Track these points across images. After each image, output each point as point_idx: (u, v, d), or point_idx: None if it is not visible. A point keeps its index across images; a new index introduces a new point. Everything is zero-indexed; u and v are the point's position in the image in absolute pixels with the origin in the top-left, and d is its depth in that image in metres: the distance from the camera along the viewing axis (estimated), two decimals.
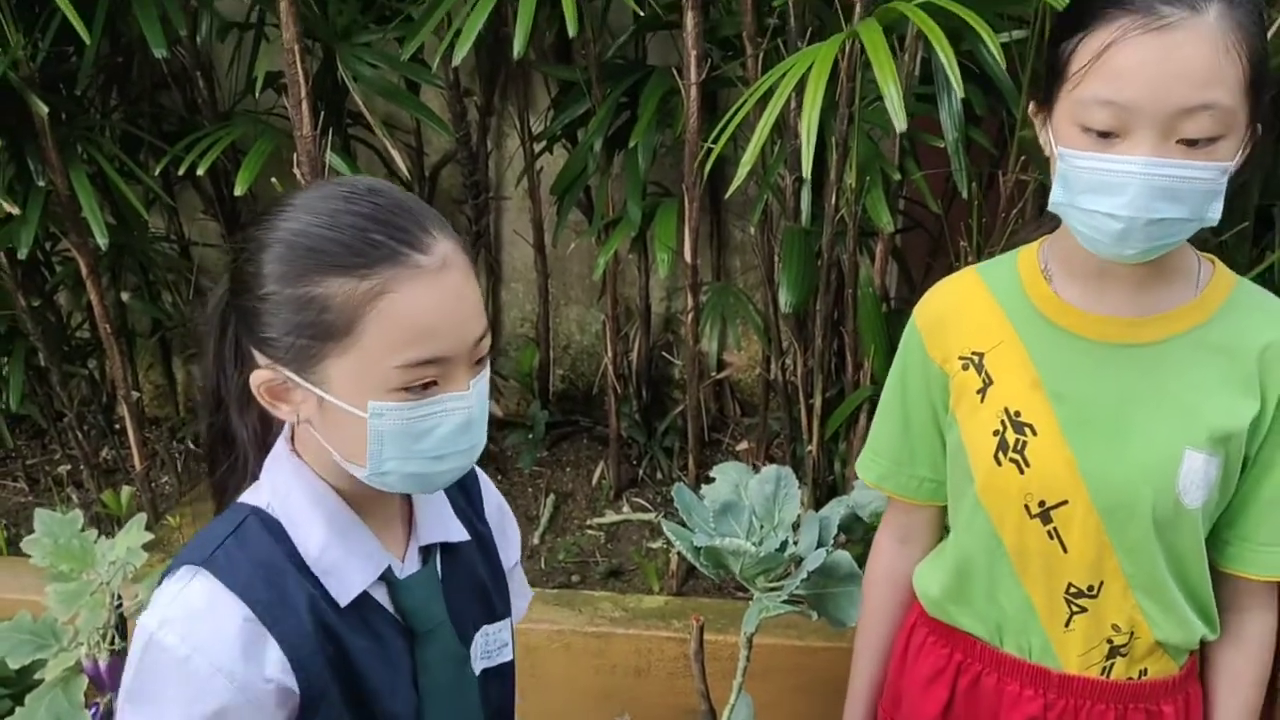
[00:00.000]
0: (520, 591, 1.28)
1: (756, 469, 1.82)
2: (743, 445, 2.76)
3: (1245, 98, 1.02)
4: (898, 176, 2.04)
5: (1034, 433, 1.16)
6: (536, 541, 2.59)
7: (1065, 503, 1.16)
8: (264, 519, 0.99)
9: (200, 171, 2.17)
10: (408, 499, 1.08)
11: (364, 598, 1.00)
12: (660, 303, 2.88)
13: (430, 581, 1.06)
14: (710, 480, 1.85)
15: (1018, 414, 1.17)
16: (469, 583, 1.11)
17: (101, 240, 2.18)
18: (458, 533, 1.10)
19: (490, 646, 1.13)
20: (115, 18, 2.27)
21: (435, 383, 0.93)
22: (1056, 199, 1.10)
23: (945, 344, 1.24)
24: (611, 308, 2.67)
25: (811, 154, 1.61)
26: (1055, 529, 1.17)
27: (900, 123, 1.59)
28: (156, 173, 2.44)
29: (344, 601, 0.98)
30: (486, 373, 0.98)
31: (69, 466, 2.88)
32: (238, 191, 2.11)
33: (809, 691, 2.11)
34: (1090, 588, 1.18)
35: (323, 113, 2.00)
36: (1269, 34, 1.55)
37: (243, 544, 0.97)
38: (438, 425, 0.94)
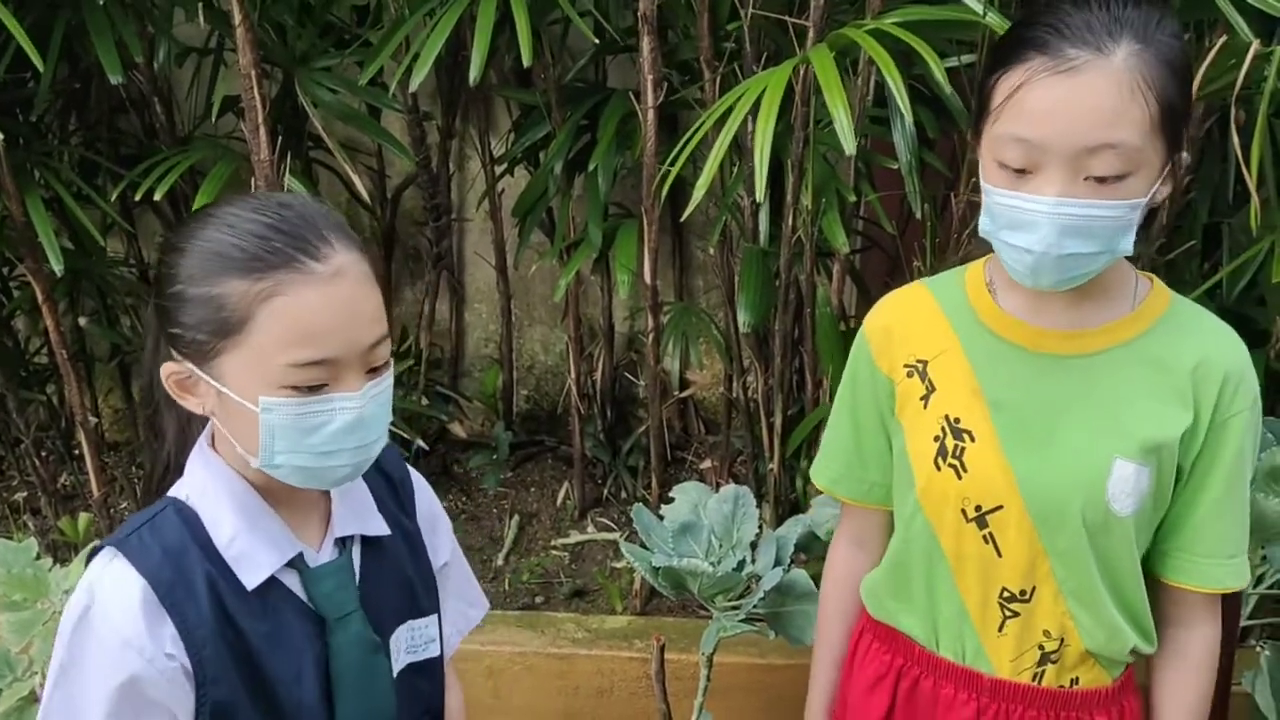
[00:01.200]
0: (469, 598, 1.33)
1: (719, 487, 1.83)
2: (706, 464, 2.78)
3: (1155, 136, 1.06)
4: (853, 198, 2.06)
5: (972, 439, 1.20)
6: (500, 562, 2.59)
7: (1000, 508, 1.19)
8: (180, 509, 1.06)
9: (157, 196, 2.16)
10: (326, 492, 1.12)
11: (273, 584, 1.06)
12: (624, 322, 2.89)
13: (342, 571, 1.11)
14: (672, 500, 1.86)
15: (957, 420, 1.21)
16: (392, 576, 1.16)
17: (56, 266, 2.17)
18: (377, 527, 1.15)
19: (416, 641, 1.18)
20: (72, 43, 2.27)
21: (325, 384, 1.00)
22: (984, 228, 1.15)
23: (892, 353, 1.28)
24: (574, 328, 2.68)
25: (765, 178, 1.63)
26: (991, 533, 1.20)
27: (850, 147, 1.61)
28: (114, 197, 2.43)
29: (251, 586, 1.05)
30: (386, 379, 1.05)
31: (26, 493, 2.84)
32: None
33: (771, 709, 2.13)
34: (1023, 592, 1.21)
35: (281, 137, 2.00)
36: (1208, 58, 1.61)
37: (156, 531, 1.05)
38: (327, 423, 1.00)
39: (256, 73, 1.92)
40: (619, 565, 2.54)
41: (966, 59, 1.92)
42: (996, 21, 1.64)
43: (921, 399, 1.24)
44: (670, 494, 1.86)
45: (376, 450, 1.06)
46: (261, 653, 1.05)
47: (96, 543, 1.08)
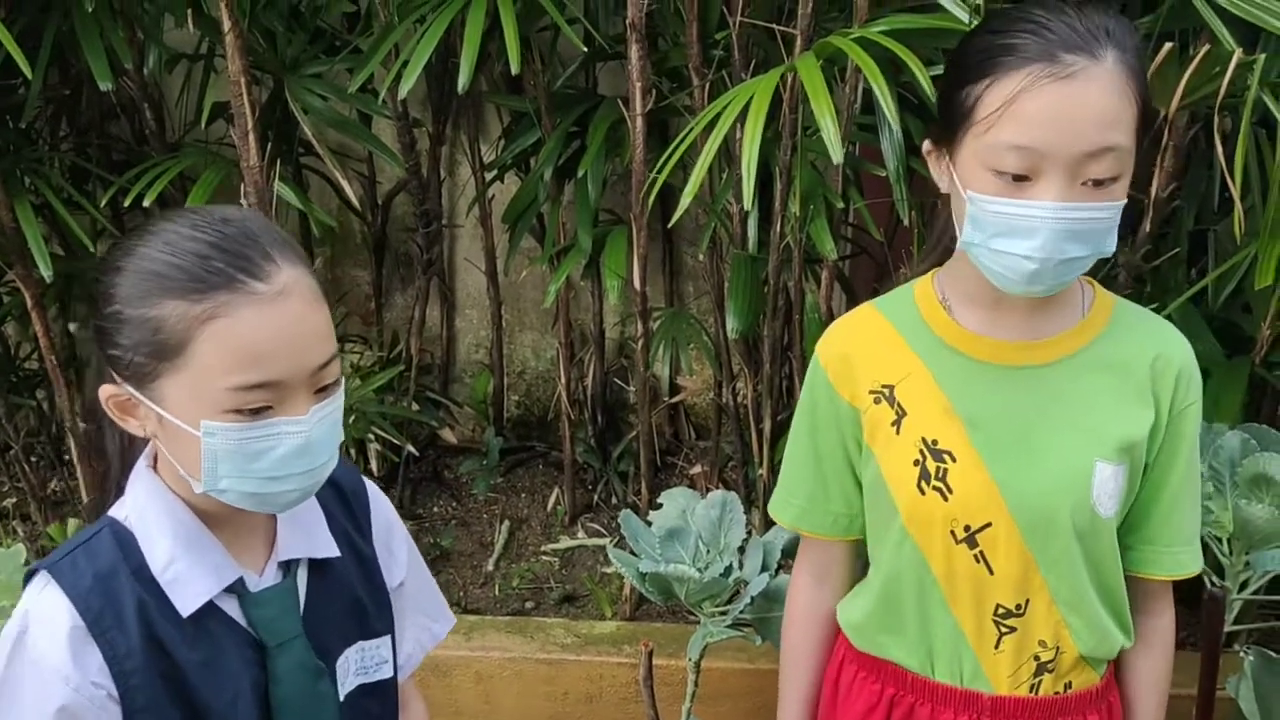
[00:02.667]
0: (431, 613, 1.28)
1: (709, 493, 1.84)
2: (696, 469, 2.78)
3: (1136, 137, 1.09)
4: (841, 205, 2.07)
5: (953, 459, 1.20)
6: (491, 568, 2.59)
7: (989, 525, 1.19)
8: (118, 531, 1.03)
9: (147, 202, 2.17)
10: (273, 514, 1.09)
11: (210, 609, 1.03)
12: (614, 328, 2.90)
13: (285, 595, 1.08)
14: (661, 506, 1.86)
15: (935, 442, 1.20)
16: (341, 599, 1.13)
17: (46, 272, 2.17)
18: (325, 548, 1.11)
19: (367, 663, 1.15)
20: (62, 49, 2.27)
21: (270, 406, 0.96)
22: (968, 239, 1.13)
23: (853, 380, 1.26)
24: (565, 334, 2.68)
25: (752, 186, 1.64)
26: (981, 552, 1.20)
27: (837, 155, 1.62)
28: (104, 203, 2.43)
29: (186, 612, 1.02)
30: (336, 398, 1.01)
31: (15, 499, 2.84)
32: None
33: (759, 715, 2.13)
34: (1018, 607, 1.21)
35: (270, 143, 2.01)
36: (1191, 66, 1.62)
37: (90, 554, 1.02)
38: (273, 448, 0.97)
39: (246, 79, 1.92)
40: (609, 571, 2.54)
41: None
42: None
43: (893, 424, 1.23)
44: (660, 499, 1.87)
45: (327, 472, 1.02)
46: (194, 681, 1.02)
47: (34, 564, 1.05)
